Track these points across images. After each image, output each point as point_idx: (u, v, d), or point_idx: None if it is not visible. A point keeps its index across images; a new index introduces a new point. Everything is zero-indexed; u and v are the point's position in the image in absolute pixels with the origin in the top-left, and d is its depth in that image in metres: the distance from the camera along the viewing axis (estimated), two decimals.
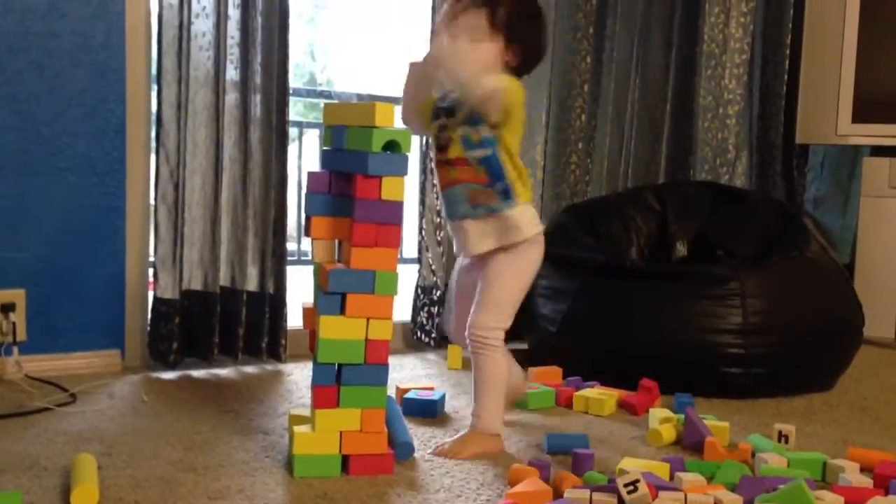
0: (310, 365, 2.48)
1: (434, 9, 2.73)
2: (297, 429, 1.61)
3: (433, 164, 2.01)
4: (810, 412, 2.17)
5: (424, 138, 2.78)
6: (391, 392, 2.01)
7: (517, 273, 1.79)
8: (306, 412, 1.74)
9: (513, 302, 1.79)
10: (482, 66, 1.72)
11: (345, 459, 1.60)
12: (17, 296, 2.23)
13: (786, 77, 3.36)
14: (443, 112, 1.80)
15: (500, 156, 1.76)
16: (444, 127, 1.79)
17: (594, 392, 2.12)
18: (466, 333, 1.78)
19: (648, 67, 3.20)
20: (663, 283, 2.40)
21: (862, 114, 3.13)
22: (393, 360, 2.60)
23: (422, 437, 1.84)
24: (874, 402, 2.29)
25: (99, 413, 1.94)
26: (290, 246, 4.44)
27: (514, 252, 1.78)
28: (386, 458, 1.60)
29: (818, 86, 3.22)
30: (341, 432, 1.59)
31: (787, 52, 3.34)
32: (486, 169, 1.76)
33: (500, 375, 1.78)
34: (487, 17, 1.74)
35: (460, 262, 1.94)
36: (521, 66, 1.82)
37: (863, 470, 1.62)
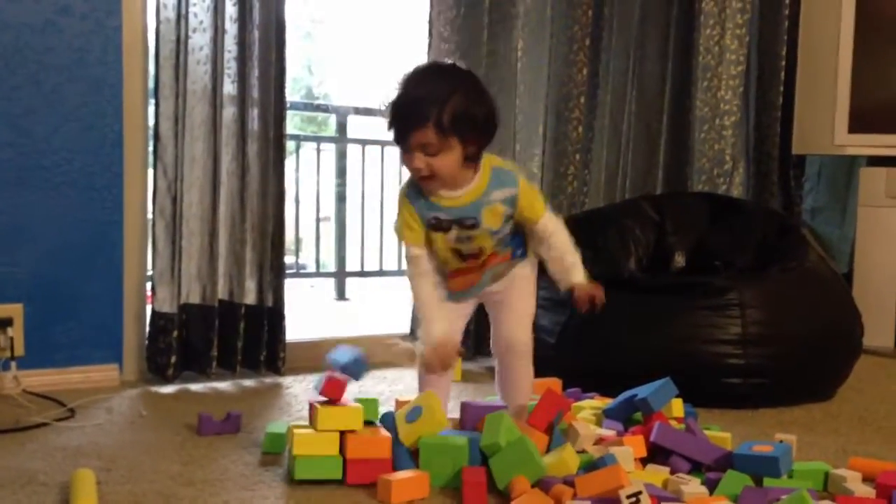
0: (308, 378, 2.49)
1: (431, 22, 2.74)
2: (297, 430, 1.60)
3: (447, 269, 1.81)
4: (811, 422, 2.17)
5: None
6: (390, 405, 2.00)
7: (532, 289, 1.88)
8: (305, 423, 1.73)
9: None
10: (454, 174, 1.69)
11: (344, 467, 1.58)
12: (14, 310, 2.22)
13: (782, 88, 3.37)
14: (458, 225, 1.73)
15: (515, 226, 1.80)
16: (469, 239, 1.75)
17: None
18: (509, 347, 1.84)
19: (645, 79, 3.21)
20: (662, 294, 2.40)
21: (858, 124, 3.14)
22: (392, 374, 2.62)
23: None
24: (875, 412, 2.28)
25: (97, 428, 1.93)
26: (288, 259, 4.46)
27: (526, 271, 1.86)
28: (386, 465, 1.59)
29: (814, 96, 3.23)
30: (342, 433, 1.58)
31: (783, 63, 3.35)
32: (512, 245, 1.81)
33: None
34: (435, 131, 1.63)
35: None
36: (478, 151, 1.72)
37: (865, 480, 1.61)
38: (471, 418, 1.72)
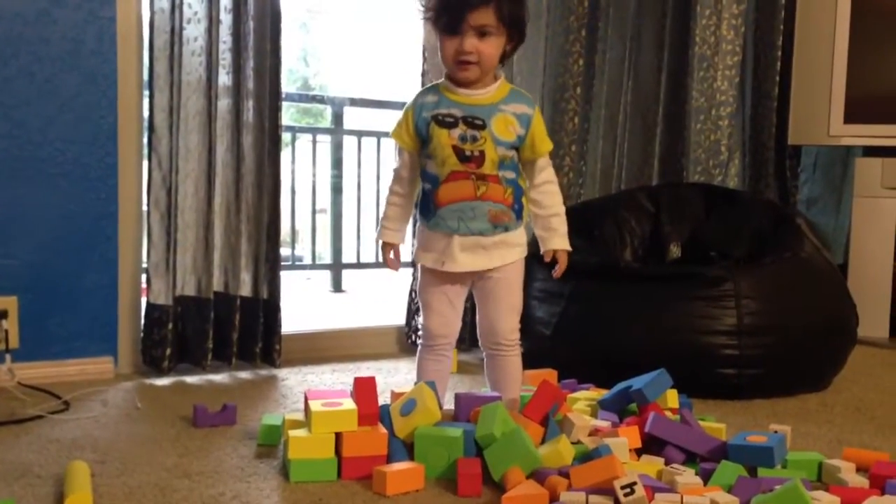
0: (304, 370, 2.49)
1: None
2: (293, 433, 1.60)
3: (443, 174, 1.80)
4: (805, 412, 2.17)
5: None
6: (386, 397, 2.00)
7: (521, 282, 1.89)
8: (300, 416, 1.73)
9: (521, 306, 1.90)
10: (494, 65, 1.78)
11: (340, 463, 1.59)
12: (9, 303, 2.22)
13: (777, 78, 3.36)
14: (464, 122, 1.77)
15: (520, 178, 1.84)
16: (473, 139, 1.77)
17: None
18: (494, 339, 1.86)
19: (640, 70, 3.21)
20: (657, 284, 2.40)
21: (854, 114, 3.14)
22: (388, 365, 2.62)
23: None
24: (869, 403, 2.29)
25: (92, 420, 1.93)
26: (284, 251, 4.45)
27: (516, 263, 1.87)
28: (380, 461, 1.59)
29: (810, 87, 3.23)
30: (337, 433, 1.58)
31: (779, 53, 3.35)
32: (514, 191, 1.81)
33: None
34: (495, 14, 1.73)
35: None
36: (511, 52, 1.84)
37: (859, 470, 1.62)
38: (464, 409, 1.72)
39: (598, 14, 3.04)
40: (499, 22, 1.73)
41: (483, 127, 1.76)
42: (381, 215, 1.93)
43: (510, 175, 1.80)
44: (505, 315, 1.85)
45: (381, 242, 1.90)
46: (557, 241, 1.86)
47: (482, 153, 1.76)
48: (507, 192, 1.80)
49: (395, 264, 1.91)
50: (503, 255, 1.83)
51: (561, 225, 1.87)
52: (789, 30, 3.32)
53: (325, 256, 5.12)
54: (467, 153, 1.77)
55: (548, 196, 1.86)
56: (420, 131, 1.80)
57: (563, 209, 1.88)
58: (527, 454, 1.52)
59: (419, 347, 1.91)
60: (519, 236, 1.85)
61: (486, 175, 1.77)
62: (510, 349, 1.87)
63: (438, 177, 1.79)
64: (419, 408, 1.63)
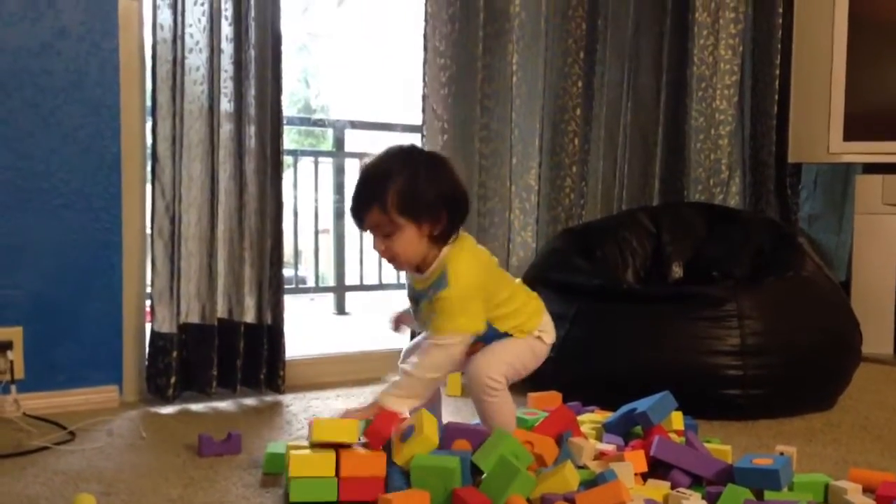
0: (308, 395, 2.49)
1: (426, 37, 2.75)
2: (294, 452, 1.60)
3: None
4: (811, 433, 2.17)
5: None
6: None
7: (520, 348, 1.81)
8: (304, 443, 1.73)
9: (516, 366, 1.79)
10: (417, 256, 1.70)
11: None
12: (14, 333, 2.23)
13: (776, 97, 3.38)
14: (413, 303, 1.82)
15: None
16: (429, 319, 1.77)
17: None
18: (474, 381, 1.76)
19: (639, 90, 3.23)
20: (660, 305, 2.40)
21: (853, 131, 3.15)
22: None
23: None
24: (875, 421, 2.29)
25: (98, 451, 1.94)
26: (288, 272, 4.46)
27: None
28: (378, 483, 1.58)
29: (809, 105, 3.24)
30: (337, 452, 1.58)
31: (777, 72, 3.37)
32: (482, 341, 1.78)
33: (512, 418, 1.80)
34: (383, 214, 1.65)
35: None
36: (448, 228, 1.70)
37: (865, 491, 1.62)
38: (448, 440, 1.67)
39: (597, 36, 3.06)
40: (388, 217, 1.65)
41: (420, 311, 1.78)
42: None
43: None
44: (490, 360, 1.75)
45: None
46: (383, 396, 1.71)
47: None
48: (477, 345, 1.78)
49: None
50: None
51: (399, 381, 1.73)
52: (787, 49, 3.34)
53: (329, 277, 5.13)
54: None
55: (421, 353, 1.74)
56: None
57: (418, 373, 1.71)
58: (520, 478, 1.51)
59: None
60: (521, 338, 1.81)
61: None
62: (488, 394, 1.75)
63: None
64: (416, 435, 1.63)
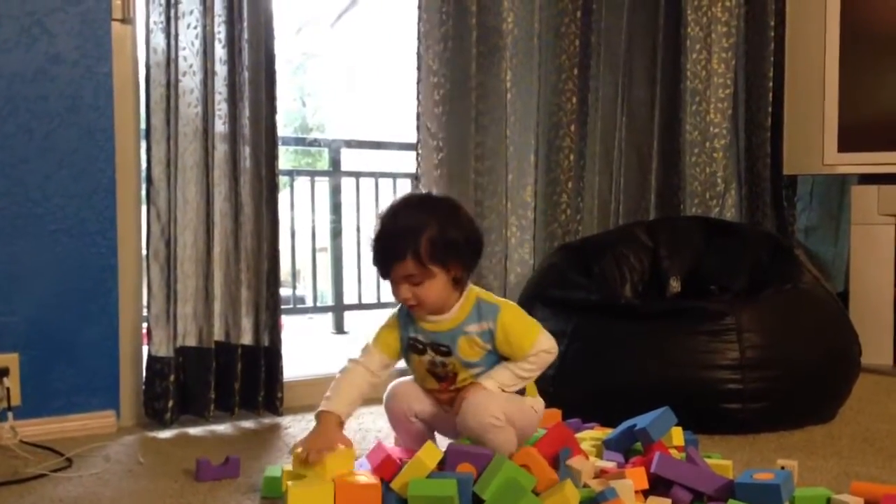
0: (307, 417, 2.48)
1: (419, 56, 2.76)
2: (292, 487, 1.59)
3: (422, 386, 1.86)
4: (812, 446, 2.16)
5: None
6: (390, 441, 1.99)
7: (523, 404, 1.82)
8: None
9: (511, 413, 1.75)
10: (443, 300, 1.73)
11: None
12: (10, 360, 2.22)
13: (770, 109, 3.38)
14: (431, 349, 1.78)
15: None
16: (443, 364, 1.78)
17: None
18: (484, 421, 1.71)
19: (634, 105, 3.24)
20: (658, 320, 2.40)
21: (847, 143, 3.15)
22: None
23: None
24: (876, 433, 2.28)
25: (95, 477, 1.92)
26: (285, 291, 4.45)
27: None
28: None
29: (803, 116, 3.25)
30: (335, 483, 1.57)
31: (770, 84, 3.37)
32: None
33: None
34: (416, 264, 1.68)
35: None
36: (467, 272, 1.78)
37: None
38: (451, 464, 1.65)
39: (590, 52, 3.07)
40: (422, 267, 1.68)
41: (449, 353, 1.76)
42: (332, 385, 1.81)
43: (488, 364, 1.78)
44: (485, 396, 1.74)
45: (318, 412, 1.77)
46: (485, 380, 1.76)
47: (455, 374, 1.78)
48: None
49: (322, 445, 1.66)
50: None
51: (501, 371, 1.77)
52: (779, 61, 3.35)
53: (327, 295, 5.12)
54: (441, 374, 1.80)
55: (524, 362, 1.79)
56: (403, 347, 1.82)
57: (524, 373, 1.79)
58: (526, 500, 1.50)
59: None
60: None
61: (461, 388, 1.78)
62: (492, 431, 1.72)
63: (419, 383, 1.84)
64: (413, 460, 1.61)
